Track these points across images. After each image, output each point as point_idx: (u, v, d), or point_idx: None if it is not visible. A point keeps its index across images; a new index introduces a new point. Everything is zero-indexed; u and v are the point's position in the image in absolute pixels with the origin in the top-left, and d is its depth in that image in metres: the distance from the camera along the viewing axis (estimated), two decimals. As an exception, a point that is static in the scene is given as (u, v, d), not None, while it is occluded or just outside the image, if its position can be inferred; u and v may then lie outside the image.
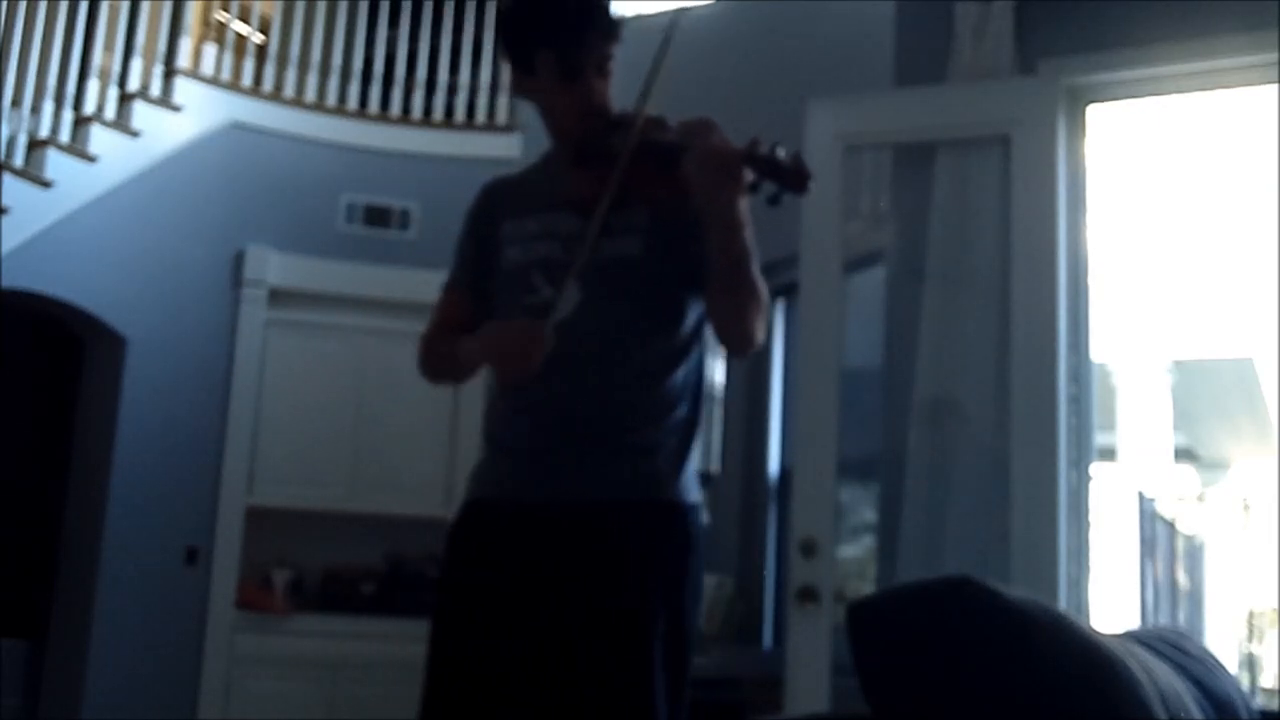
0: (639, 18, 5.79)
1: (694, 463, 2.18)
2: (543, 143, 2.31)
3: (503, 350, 2.08)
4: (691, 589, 2.11)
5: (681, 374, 2.16)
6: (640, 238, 2.13)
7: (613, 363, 2.12)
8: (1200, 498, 11.08)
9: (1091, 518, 3.56)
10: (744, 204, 1.99)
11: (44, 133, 5.27)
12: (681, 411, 2.15)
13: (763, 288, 2.07)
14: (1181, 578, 9.06)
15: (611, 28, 2.19)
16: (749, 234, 2.02)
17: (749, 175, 1.98)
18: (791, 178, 1.97)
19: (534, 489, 2.12)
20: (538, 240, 2.17)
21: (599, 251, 2.09)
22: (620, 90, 2.22)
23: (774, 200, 2.00)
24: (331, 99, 6.14)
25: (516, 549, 2.10)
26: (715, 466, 5.20)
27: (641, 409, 2.12)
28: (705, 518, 2.19)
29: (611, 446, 2.11)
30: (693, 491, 2.16)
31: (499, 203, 2.29)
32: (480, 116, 6.13)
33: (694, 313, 2.18)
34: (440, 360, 2.27)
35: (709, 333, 2.20)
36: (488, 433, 2.23)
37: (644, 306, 2.14)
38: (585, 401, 2.11)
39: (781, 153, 1.98)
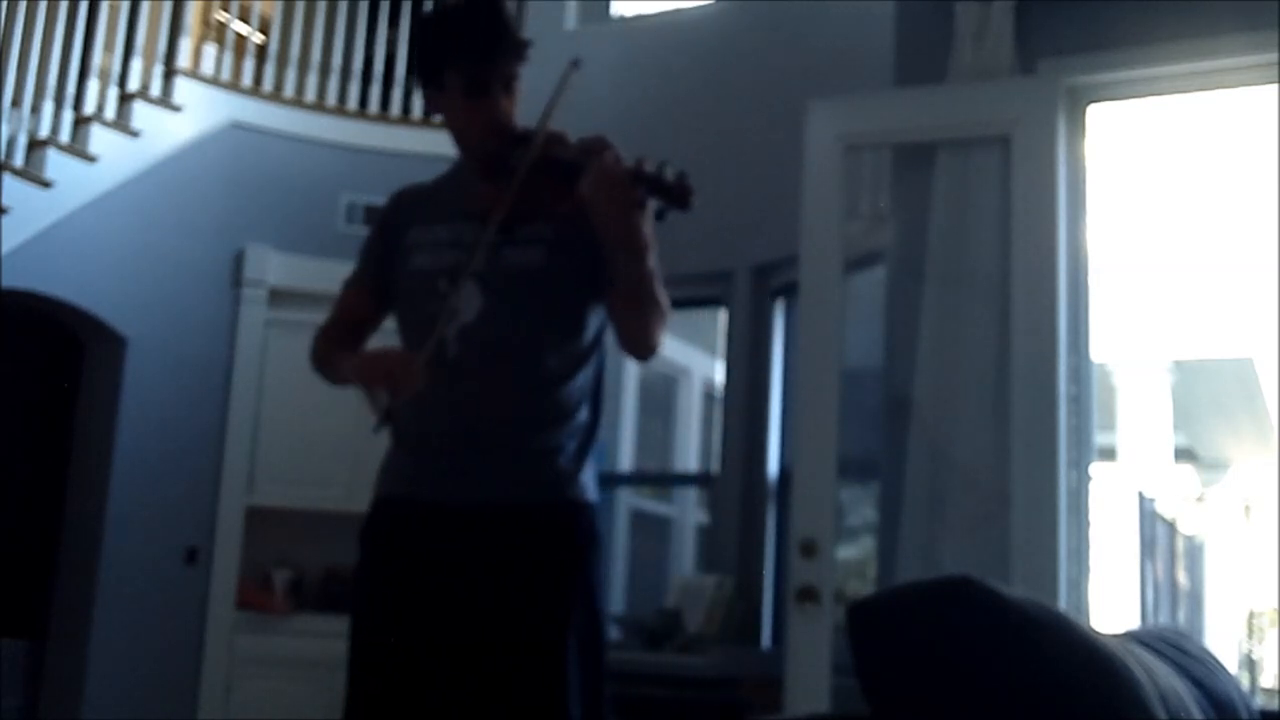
0: (639, 18, 5.81)
1: (593, 464, 2.26)
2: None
3: (375, 377, 2.13)
4: (598, 584, 2.21)
5: (581, 379, 2.24)
6: (543, 248, 2.20)
7: (515, 368, 2.19)
8: (1200, 498, 11.09)
9: (1091, 518, 3.57)
10: (648, 225, 2.07)
11: (44, 133, 5.27)
12: (582, 416, 2.24)
13: (665, 299, 2.17)
14: (1181, 578, 9.07)
15: (518, 48, 2.26)
16: (654, 254, 2.10)
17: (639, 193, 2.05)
18: (675, 195, 2.03)
19: (442, 490, 2.19)
20: (445, 248, 2.23)
21: (504, 260, 2.18)
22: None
23: (659, 216, 2.07)
24: (331, 99, 6.14)
25: (428, 549, 2.18)
26: (715, 466, 5.20)
27: (543, 413, 2.19)
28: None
29: (514, 449, 2.19)
30: (592, 491, 2.24)
31: (408, 210, 2.36)
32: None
33: (595, 321, 2.26)
34: (324, 361, 2.35)
35: (609, 339, 2.28)
36: (395, 429, 2.28)
37: (546, 314, 2.22)
38: (488, 405, 2.18)
39: (668, 171, 2.04)
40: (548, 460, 2.18)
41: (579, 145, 2.16)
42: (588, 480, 2.24)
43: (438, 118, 2.32)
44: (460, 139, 2.31)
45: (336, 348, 2.32)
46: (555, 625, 2.11)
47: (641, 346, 2.21)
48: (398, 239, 2.32)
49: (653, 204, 2.05)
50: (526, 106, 2.29)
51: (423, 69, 2.31)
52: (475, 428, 2.18)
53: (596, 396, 2.28)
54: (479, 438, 2.18)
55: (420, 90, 2.35)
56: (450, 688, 2.12)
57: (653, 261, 2.11)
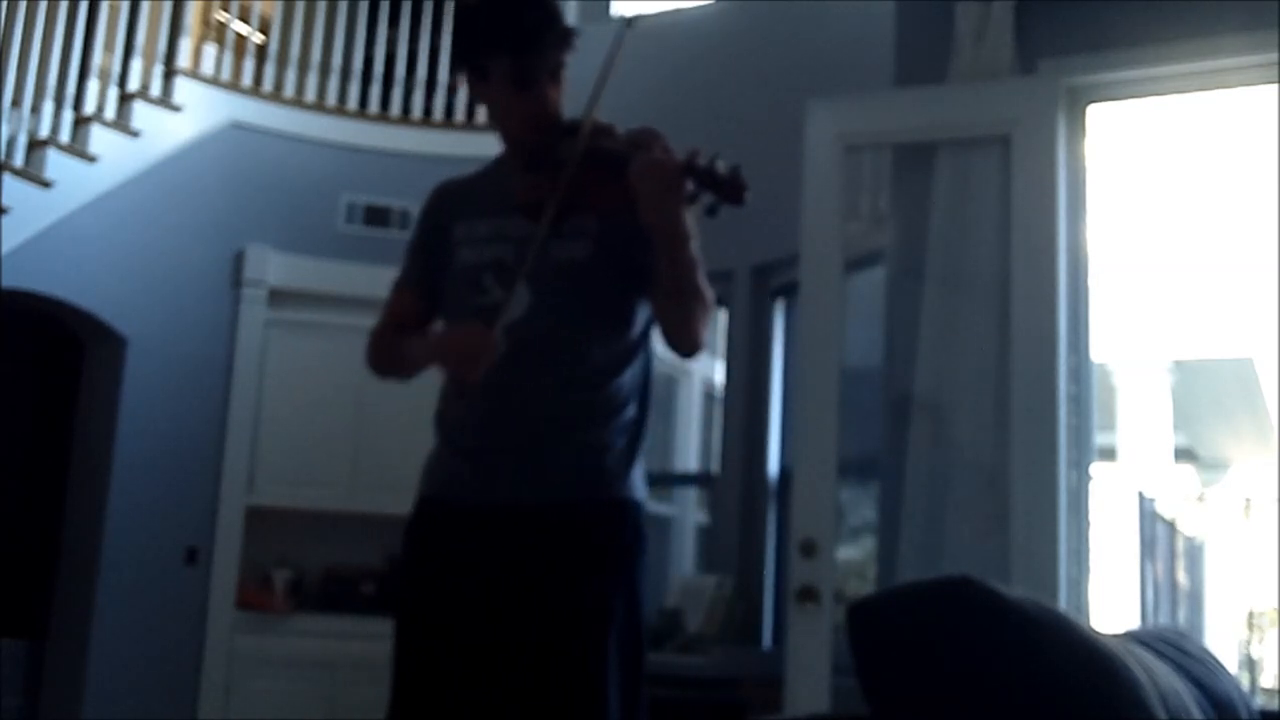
0: (640, 18, 5.81)
1: (642, 462, 2.22)
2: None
3: (452, 352, 2.12)
4: (641, 584, 2.17)
5: (629, 375, 2.20)
6: (590, 242, 2.17)
7: (563, 364, 2.15)
8: (1200, 498, 11.08)
9: (1091, 518, 3.57)
10: (690, 215, 2.03)
11: (44, 133, 5.27)
12: (630, 412, 2.20)
13: (709, 293, 2.13)
14: (1181, 578, 9.06)
15: (566, 37, 2.22)
16: (696, 244, 2.07)
17: (689, 186, 2.01)
18: (729, 190, 2.01)
19: (488, 489, 2.16)
20: (490, 242, 2.20)
21: (549, 255, 2.13)
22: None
23: (711, 211, 2.04)
24: (331, 99, 6.13)
25: (473, 549, 2.15)
26: (715, 466, 5.20)
27: (591, 409, 2.16)
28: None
29: (562, 446, 2.15)
30: (640, 489, 2.21)
31: (451, 204, 2.33)
32: (480, 116, 6.12)
33: (642, 316, 2.22)
34: (387, 357, 2.32)
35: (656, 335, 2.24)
36: (440, 427, 2.26)
37: (593, 309, 2.18)
38: (536, 402, 2.15)
39: (721, 165, 2.01)
40: (596, 457, 2.15)
41: (627, 137, 2.13)
42: (636, 478, 2.20)
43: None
44: (504, 130, 2.27)
45: (393, 345, 2.28)
46: (599, 624, 2.08)
47: (686, 340, 2.15)
48: (444, 235, 2.28)
49: (705, 198, 2.02)
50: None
51: (467, 58, 2.25)
52: (522, 425, 2.15)
53: (645, 393, 2.24)
54: (526, 435, 2.15)
55: (464, 80, 2.29)
56: (492, 685, 2.09)
57: (695, 251, 2.07)
